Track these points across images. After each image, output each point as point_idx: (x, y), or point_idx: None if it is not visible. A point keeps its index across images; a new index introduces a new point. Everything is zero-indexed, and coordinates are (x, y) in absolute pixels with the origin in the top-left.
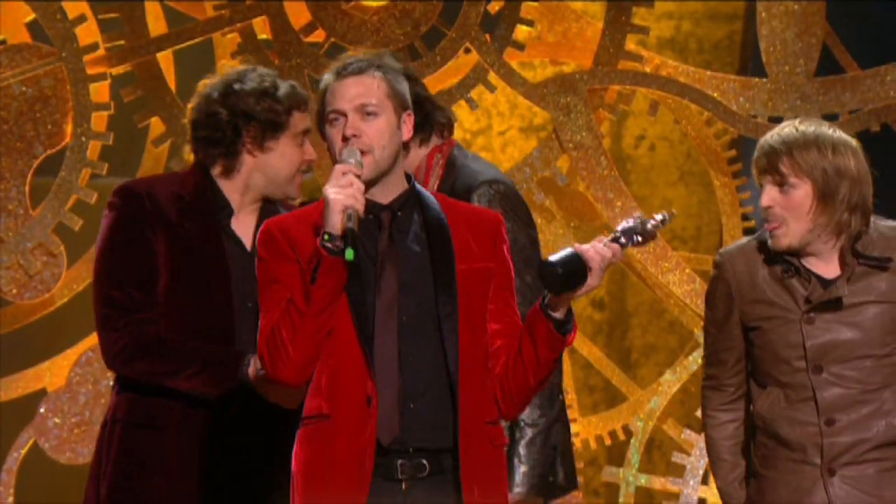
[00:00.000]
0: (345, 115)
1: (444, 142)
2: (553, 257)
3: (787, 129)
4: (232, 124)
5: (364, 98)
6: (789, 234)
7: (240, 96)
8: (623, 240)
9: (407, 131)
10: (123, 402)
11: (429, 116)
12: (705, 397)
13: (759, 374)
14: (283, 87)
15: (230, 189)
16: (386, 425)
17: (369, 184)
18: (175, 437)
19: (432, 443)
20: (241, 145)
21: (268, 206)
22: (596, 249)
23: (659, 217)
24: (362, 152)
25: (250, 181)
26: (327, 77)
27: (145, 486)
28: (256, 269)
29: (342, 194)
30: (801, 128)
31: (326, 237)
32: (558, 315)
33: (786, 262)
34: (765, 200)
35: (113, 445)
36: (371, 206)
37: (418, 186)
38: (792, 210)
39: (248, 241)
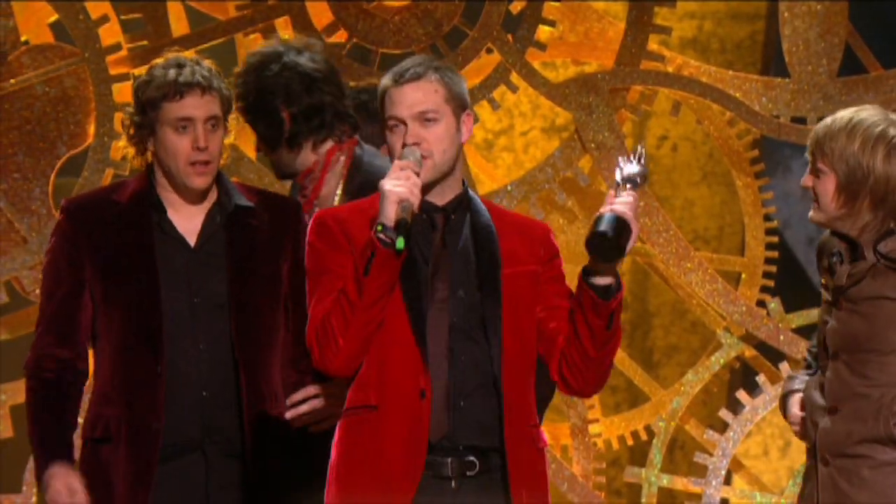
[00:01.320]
0: (404, 122)
1: (344, 142)
2: (598, 228)
3: (841, 113)
4: (139, 123)
5: (423, 105)
6: (818, 213)
7: (135, 92)
8: (630, 185)
9: (466, 131)
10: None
11: (324, 122)
12: None
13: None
14: (157, 79)
15: (163, 186)
16: (436, 422)
17: (427, 186)
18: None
19: (480, 442)
20: (146, 143)
21: (223, 199)
22: (622, 202)
23: (638, 152)
24: (423, 156)
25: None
26: (385, 81)
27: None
28: (306, 257)
29: (399, 186)
30: (847, 116)
31: (380, 228)
32: (606, 281)
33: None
34: (802, 180)
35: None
36: (426, 206)
37: (471, 192)
38: (820, 196)
39: (191, 237)
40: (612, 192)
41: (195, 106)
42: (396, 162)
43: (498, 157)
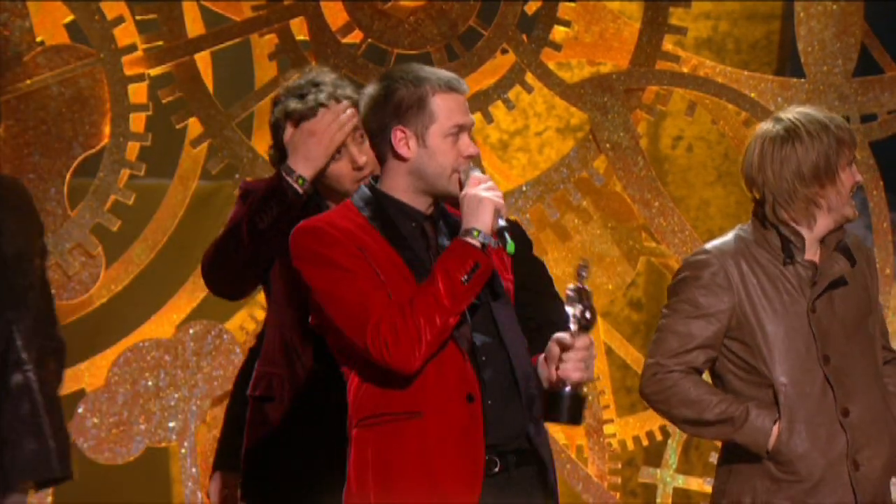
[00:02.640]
0: (465, 130)
1: None
2: (558, 413)
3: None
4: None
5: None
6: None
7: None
8: (575, 327)
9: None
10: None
11: None
12: None
13: None
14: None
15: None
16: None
17: (440, 197)
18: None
19: (504, 440)
20: None
21: None
22: (573, 366)
23: (582, 275)
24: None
25: None
26: (440, 84)
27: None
28: (306, 263)
29: (493, 195)
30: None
31: (476, 233)
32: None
33: None
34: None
35: None
36: (416, 215)
37: (441, 205)
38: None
39: None
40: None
41: None
42: (475, 175)
43: (513, 158)
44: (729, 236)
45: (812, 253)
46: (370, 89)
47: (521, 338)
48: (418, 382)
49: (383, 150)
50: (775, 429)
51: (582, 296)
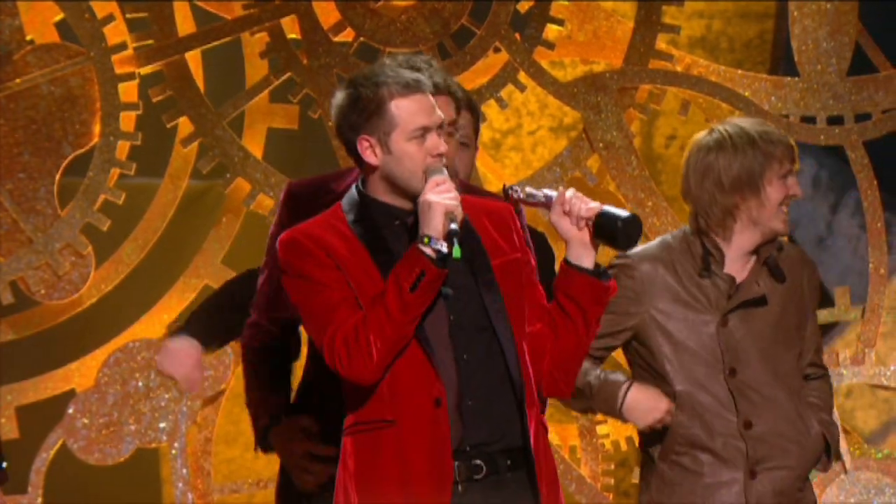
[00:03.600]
0: (431, 130)
1: None
2: (623, 215)
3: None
4: None
5: (446, 116)
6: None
7: None
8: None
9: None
10: None
11: None
12: None
13: None
14: None
15: None
16: (453, 428)
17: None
18: None
19: (491, 440)
20: None
21: None
22: (579, 204)
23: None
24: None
25: None
26: (397, 87)
27: None
28: (286, 279)
29: (446, 199)
30: None
31: (426, 240)
32: (590, 265)
33: None
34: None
35: None
36: (396, 213)
37: None
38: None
39: None
40: (564, 198)
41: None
42: (433, 178)
43: (506, 157)
44: (655, 242)
45: (737, 266)
46: (336, 96)
47: (520, 323)
48: (388, 390)
49: (356, 157)
50: (626, 385)
51: (514, 189)
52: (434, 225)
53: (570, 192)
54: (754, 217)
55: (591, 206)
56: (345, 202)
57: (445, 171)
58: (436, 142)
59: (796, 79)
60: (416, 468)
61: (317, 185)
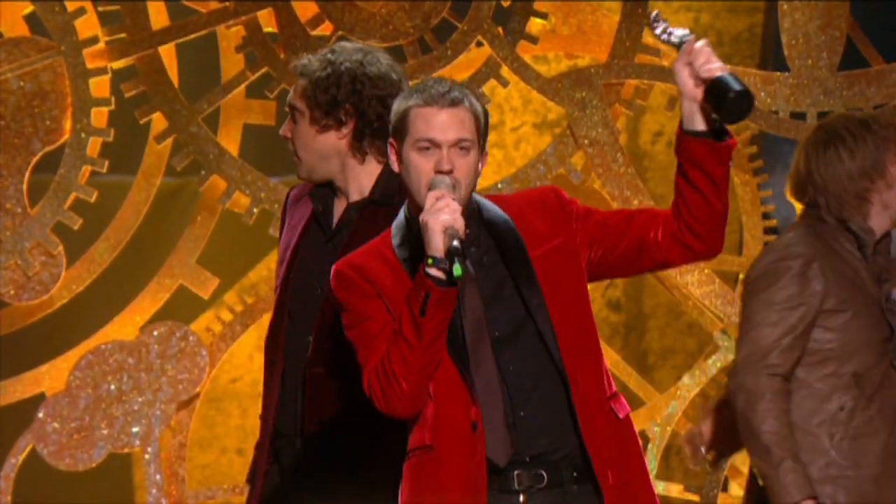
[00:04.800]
0: (440, 146)
1: None
2: (736, 87)
3: None
4: None
5: (461, 133)
6: None
7: None
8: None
9: (483, 166)
10: None
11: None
12: None
13: None
14: None
15: None
16: (499, 446)
17: None
18: None
19: (549, 447)
20: None
21: None
22: (716, 63)
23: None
24: (453, 186)
25: None
26: (415, 99)
27: None
28: (341, 314)
29: (441, 215)
30: None
31: (430, 261)
32: (706, 128)
33: None
34: None
35: None
36: None
37: (475, 196)
38: None
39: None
40: (689, 53)
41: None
42: (431, 193)
43: (488, 154)
44: (795, 233)
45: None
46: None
47: (571, 311)
48: (431, 416)
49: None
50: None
51: (658, 20)
52: (435, 244)
53: (700, 43)
54: (885, 200)
55: (712, 67)
56: (394, 225)
57: (447, 183)
58: (442, 159)
59: (786, 74)
60: (452, 495)
61: (310, 187)
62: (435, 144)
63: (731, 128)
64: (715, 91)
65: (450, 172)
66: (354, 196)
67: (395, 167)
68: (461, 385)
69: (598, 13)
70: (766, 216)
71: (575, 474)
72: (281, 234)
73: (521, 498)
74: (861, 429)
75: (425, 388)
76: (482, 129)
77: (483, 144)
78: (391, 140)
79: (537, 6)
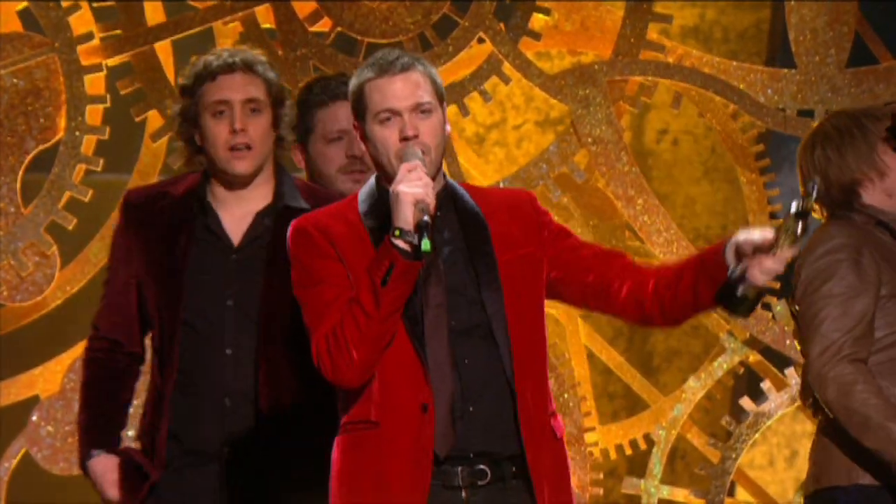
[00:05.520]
0: (400, 114)
1: None
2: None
3: None
4: (183, 114)
5: (418, 97)
6: None
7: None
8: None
9: (448, 124)
10: None
11: None
12: None
13: None
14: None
15: (214, 182)
16: (441, 434)
17: None
18: None
19: (493, 447)
20: (193, 135)
21: (276, 199)
22: (762, 271)
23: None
24: (422, 152)
25: None
26: (367, 74)
27: None
28: (292, 269)
29: (413, 187)
30: None
31: (398, 233)
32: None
33: None
34: None
35: None
36: None
37: (450, 181)
38: None
39: (236, 237)
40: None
41: (231, 88)
42: (404, 165)
43: (489, 152)
44: (832, 228)
45: None
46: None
47: (528, 322)
48: (378, 392)
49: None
50: None
51: (805, 206)
52: (404, 216)
53: (778, 259)
54: (888, 189)
55: (763, 277)
56: (362, 190)
57: (419, 155)
58: (406, 125)
59: (793, 70)
60: (394, 472)
61: (153, 192)
62: (395, 113)
63: (736, 126)
64: (738, 291)
65: (415, 137)
66: (259, 203)
67: (363, 147)
68: (415, 366)
69: (602, 9)
70: (773, 216)
71: (514, 469)
72: (121, 238)
73: (464, 494)
74: None
75: (376, 360)
76: (440, 91)
77: (442, 103)
78: (354, 123)
79: (540, 2)
